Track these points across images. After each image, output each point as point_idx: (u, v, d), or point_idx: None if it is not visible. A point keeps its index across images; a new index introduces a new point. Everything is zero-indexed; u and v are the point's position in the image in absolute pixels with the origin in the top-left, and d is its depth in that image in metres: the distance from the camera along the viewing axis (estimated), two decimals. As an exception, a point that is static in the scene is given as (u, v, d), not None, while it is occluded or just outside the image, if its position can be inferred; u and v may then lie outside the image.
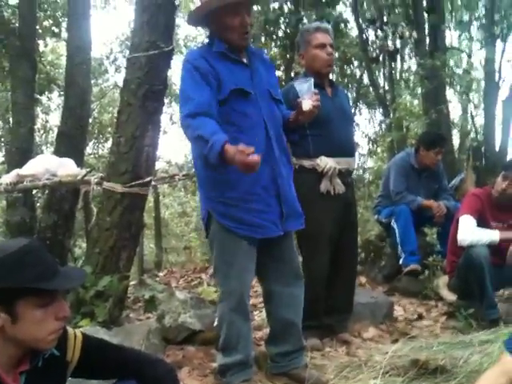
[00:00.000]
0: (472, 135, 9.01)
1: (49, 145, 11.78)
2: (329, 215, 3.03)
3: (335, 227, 3.08)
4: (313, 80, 2.53)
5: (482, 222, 3.54)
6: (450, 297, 3.94)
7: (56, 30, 9.10)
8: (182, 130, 2.41)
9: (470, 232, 3.47)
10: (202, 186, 2.49)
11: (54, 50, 11.97)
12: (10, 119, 6.33)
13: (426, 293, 4.20)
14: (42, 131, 12.26)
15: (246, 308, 2.49)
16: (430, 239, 4.32)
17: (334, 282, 3.14)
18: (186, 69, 2.41)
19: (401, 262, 4.47)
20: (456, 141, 10.46)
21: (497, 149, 7.82)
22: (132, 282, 4.38)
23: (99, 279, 3.19)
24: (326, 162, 2.98)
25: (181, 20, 13.29)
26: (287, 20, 6.38)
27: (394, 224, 4.54)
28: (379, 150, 12.28)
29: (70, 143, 5.32)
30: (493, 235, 3.44)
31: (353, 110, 10.89)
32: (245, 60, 2.50)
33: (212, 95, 2.34)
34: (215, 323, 2.68)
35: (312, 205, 2.80)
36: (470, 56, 11.27)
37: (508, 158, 6.90)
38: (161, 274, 6.74)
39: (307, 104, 2.45)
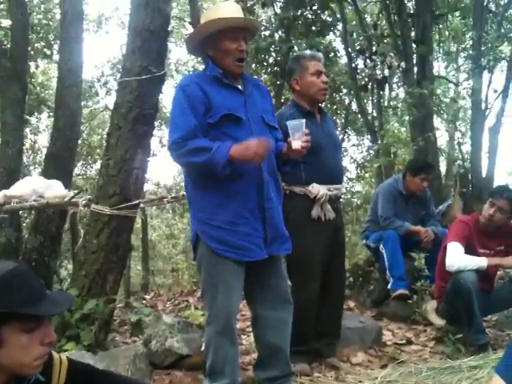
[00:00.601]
0: (459, 162, 9.12)
1: (37, 165, 11.74)
2: (319, 241, 3.03)
3: (325, 252, 3.09)
4: (304, 121, 2.55)
5: (470, 249, 3.56)
6: (439, 322, 3.94)
7: (48, 52, 9.15)
8: (169, 153, 2.43)
9: (457, 258, 3.48)
10: (192, 208, 2.50)
11: (45, 71, 12.02)
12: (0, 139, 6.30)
13: (414, 318, 4.19)
14: (30, 151, 12.22)
15: (233, 332, 2.47)
16: (418, 264, 4.33)
17: (322, 306, 3.13)
18: (177, 94, 2.45)
19: (389, 286, 4.48)
20: (443, 167, 10.60)
21: (483, 175, 7.91)
22: (118, 305, 4.33)
23: (85, 302, 3.16)
24: (318, 189, 3.00)
25: (172, 45, 13.47)
26: (278, 48, 6.47)
27: (382, 249, 4.56)
28: (367, 175, 12.39)
29: (59, 164, 5.30)
30: (480, 261, 3.46)
31: (341, 136, 11.01)
32: (239, 86, 2.53)
33: (198, 124, 2.37)
34: (203, 347, 2.65)
35: (303, 230, 2.81)
36: (457, 85, 11.49)
37: (494, 185, 6.97)
38: (147, 296, 6.67)
39: (297, 144, 2.49)
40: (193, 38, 2.53)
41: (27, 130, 10.80)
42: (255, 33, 2.71)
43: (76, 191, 4.02)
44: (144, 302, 5.83)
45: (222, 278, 2.39)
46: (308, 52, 3.30)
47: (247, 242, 2.41)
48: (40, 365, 1.41)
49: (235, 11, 2.49)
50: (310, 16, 7.13)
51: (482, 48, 7.98)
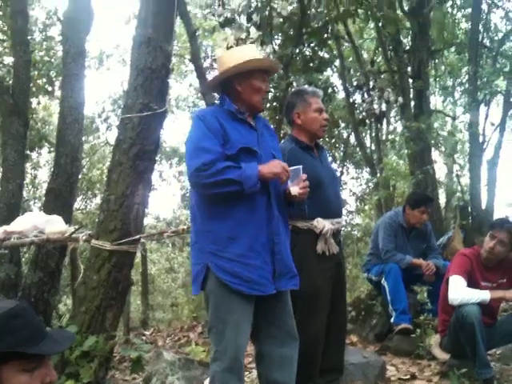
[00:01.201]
0: (458, 194, 9.14)
1: (37, 200, 11.74)
2: (325, 275, 3.03)
3: (330, 287, 3.08)
4: (301, 167, 2.59)
5: (472, 282, 3.55)
6: (443, 356, 3.89)
7: (49, 89, 9.26)
8: (194, 179, 2.41)
9: (460, 291, 3.47)
10: (200, 240, 2.47)
11: (46, 107, 12.14)
12: (0, 174, 6.33)
13: (418, 352, 4.14)
14: (30, 186, 12.24)
15: (241, 368, 2.43)
16: (420, 297, 4.30)
17: (325, 342, 3.09)
18: (196, 123, 2.51)
19: (392, 320, 4.44)
20: (442, 200, 10.61)
21: (483, 207, 7.92)
22: (118, 341, 4.28)
23: (85, 339, 3.12)
24: (323, 224, 3.00)
25: (173, 81, 13.65)
26: (277, 84, 6.56)
27: (384, 282, 4.54)
28: (367, 207, 12.40)
29: (59, 200, 5.31)
30: (483, 294, 3.45)
31: (340, 169, 11.07)
32: (252, 123, 2.62)
33: (221, 150, 2.43)
34: (205, 385, 2.61)
35: (308, 266, 2.80)
36: (454, 119, 11.60)
37: (494, 217, 6.98)
38: (147, 332, 6.59)
39: (295, 190, 2.55)
40: (226, 73, 2.59)
41: (27, 164, 10.85)
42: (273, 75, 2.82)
43: (76, 226, 4.02)
44: (144, 338, 5.76)
45: (231, 312, 2.38)
46: (310, 88, 3.35)
47: (258, 276, 2.41)
48: (40, 404, 1.39)
49: (260, 54, 2.63)
50: (307, 53, 7.25)
51: (478, 82, 8.10)
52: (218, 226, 2.41)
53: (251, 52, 2.62)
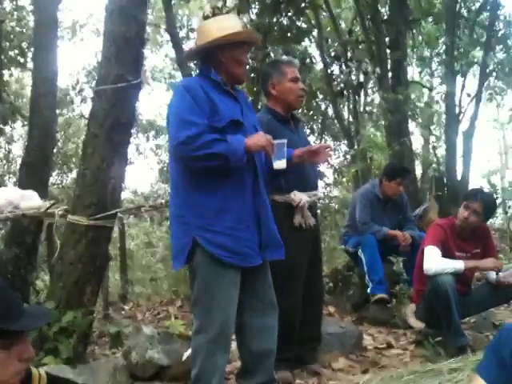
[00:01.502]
0: (434, 166, 9.25)
1: (11, 175, 11.54)
2: (302, 248, 3.05)
3: (306, 259, 3.10)
4: (286, 141, 2.59)
5: (447, 253, 3.61)
6: (418, 325, 3.97)
7: (21, 61, 9.00)
8: (179, 152, 2.38)
9: (435, 261, 3.53)
10: (186, 213, 2.44)
11: (18, 79, 11.84)
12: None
13: (394, 321, 4.22)
14: (4, 161, 12.02)
15: (228, 340, 2.45)
16: (396, 268, 4.37)
17: (302, 312, 3.13)
18: (181, 94, 2.45)
19: (368, 290, 4.51)
20: (418, 171, 10.72)
21: (458, 179, 8.04)
22: (97, 316, 4.27)
23: (63, 315, 3.10)
24: (300, 197, 3.00)
25: (148, 52, 13.41)
26: (254, 55, 6.49)
27: (360, 253, 4.59)
28: (344, 179, 12.46)
29: (34, 174, 5.20)
30: (457, 264, 3.51)
31: (318, 142, 11.07)
32: (235, 95, 2.61)
33: (207, 122, 2.39)
34: (184, 358, 2.62)
35: (285, 238, 2.80)
36: (431, 90, 11.67)
37: (469, 188, 7.09)
38: (126, 307, 6.59)
39: (278, 164, 2.57)
40: (207, 45, 2.54)
41: (1, 139, 10.63)
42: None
43: (52, 201, 3.96)
44: (123, 312, 5.76)
45: (219, 284, 2.38)
46: (285, 58, 3.32)
47: (247, 248, 2.43)
48: (18, 381, 1.38)
49: (240, 25, 2.64)
50: (285, 22, 7.17)
51: (455, 53, 8.13)
52: (206, 199, 2.40)
53: (236, 23, 2.60)
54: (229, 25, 2.55)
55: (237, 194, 2.43)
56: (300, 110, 10.60)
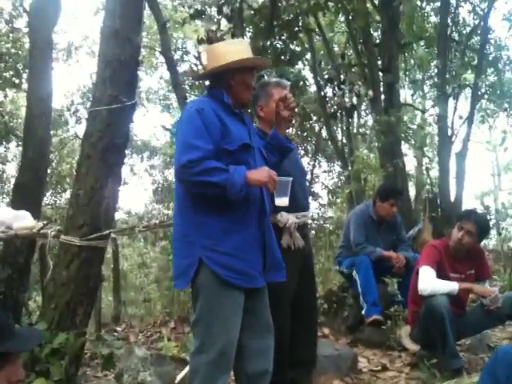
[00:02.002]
0: (427, 187, 9.29)
1: (5, 195, 11.51)
2: (290, 269, 3.02)
3: (295, 281, 3.09)
4: (291, 180, 2.62)
5: (441, 273, 3.61)
6: (413, 347, 3.95)
7: (17, 81, 9.05)
8: (180, 175, 2.38)
9: (429, 282, 3.52)
10: (191, 233, 2.42)
11: (13, 100, 11.88)
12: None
13: (389, 343, 4.20)
14: (-3, 181, 12.00)
15: (229, 362, 2.41)
16: (390, 289, 4.36)
17: (296, 334, 3.11)
18: (191, 116, 2.45)
19: (363, 312, 4.48)
20: (412, 192, 10.76)
21: (452, 200, 8.07)
22: (89, 338, 4.22)
23: (55, 336, 3.07)
24: (287, 218, 3.00)
25: (143, 74, 13.51)
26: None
27: (355, 275, 4.58)
28: (338, 200, 12.50)
29: (27, 195, 5.19)
30: (452, 285, 3.51)
31: (312, 163, 11.13)
32: (243, 118, 2.64)
33: (214, 147, 2.39)
34: (177, 380, 2.59)
35: None
36: (423, 112, 11.78)
37: (463, 209, 7.12)
38: (119, 328, 6.52)
39: (281, 202, 2.60)
40: (218, 68, 2.57)
41: (-5, 159, 10.63)
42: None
43: (45, 222, 3.93)
44: (116, 334, 5.70)
45: (224, 305, 2.37)
46: (274, 79, 3.34)
47: (252, 269, 2.44)
48: (6, 404, 1.36)
49: (250, 50, 2.67)
50: (279, 46, 7.25)
51: (447, 76, 8.23)
52: (212, 219, 2.40)
53: (247, 48, 2.65)
54: (240, 49, 2.59)
55: (243, 215, 2.44)
56: (294, 132, 10.68)
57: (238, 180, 2.31)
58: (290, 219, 3.01)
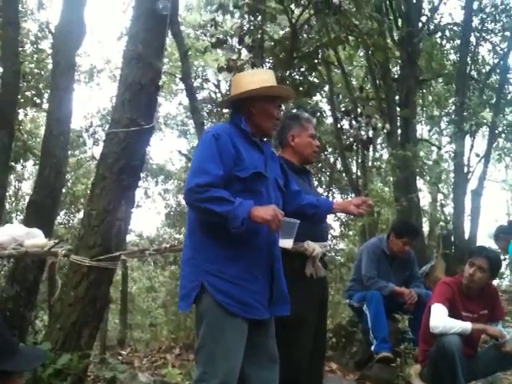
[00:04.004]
0: (442, 223, 9.21)
1: (19, 212, 11.60)
2: (312, 299, 2.99)
3: (316, 311, 3.04)
4: (298, 222, 2.59)
5: (453, 312, 3.53)
6: (422, 387, 3.85)
7: (37, 101, 9.21)
8: (186, 198, 2.38)
9: (442, 320, 3.45)
10: (197, 256, 2.41)
11: (33, 119, 12.08)
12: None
13: (397, 382, 4.09)
14: (13, 198, 12.11)
15: None
16: (401, 326, 4.27)
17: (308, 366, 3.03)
18: (208, 141, 2.46)
19: (372, 348, 4.40)
20: (426, 228, 10.67)
21: (466, 237, 7.97)
22: (93, 360, 4.18)
23: (58, 356, 3.05)
24: (313, 247, 2.98)
25: (162, 99, 13.69)
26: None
27: (365, 309, 4.50)
28: (351, 233, 12.41)
29: (41, 213, 5.23)
30: (465, 325, 3.43)
31: (326, 194, 11.10)
32: (261, 146, 2.62)
33: (225, 175, 2.38)
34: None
35: (296, 288, 2.75)
36: (439, 148, 11.76)
37: (477, 247, 7.01)
38: (124, 352, 6.46)
39: (285, 243, 2.55)
40: (239, 96, 2.59)
41: (11, 176, 10.73)
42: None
43: (56, 241, 3.94)
44: (120, 357, 5.64)
45: (226, 333, 2.32)
46: (305, 114, 3.40)
47: (254, 301, 2.38)
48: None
49: (274, 80, 2.68)
50: (297, 77, 7.31)
51: (465, 113, 8.23)
52: (218, 244, 2.38)
53: (271, 78, 2.66)
54: (262, 78, 2.61)
55: (250, 245, 2.40)
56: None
57: (240, 214, 2.27)
58: (316, 249, 2.99)
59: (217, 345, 2.31)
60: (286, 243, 2.50)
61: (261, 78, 2.62)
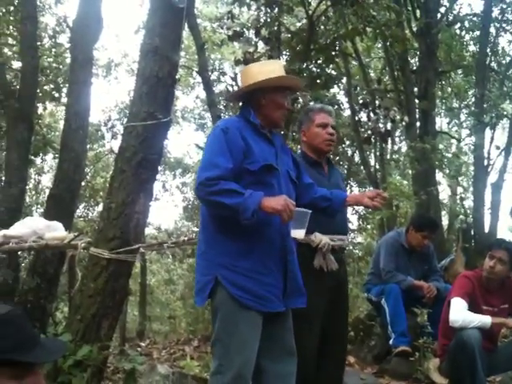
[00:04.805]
0: (461, 217, 9.11)
1: (39, 205, 11.74)
2: (321, 292, 2.97)
3: (326, 305, 3.02)
4: (310, 212, 2.53)
5: (473, 306, 3.50)
6: (441, 381, 3.83)
7: (56, 95, 9.29)
8: (197, 192, 2.39)
9: (461, 314, 3.42)
10: (210, 251, 2.42)
11: (52, 113, 12.19)
12: (3, 178, 6.33)
13: (416, 376, 4.08)
14: (33, 192, 12.25)
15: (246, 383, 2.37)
16: (420, 320, 4.24)
17: (323, 362, 3.03)
18: (217, 134, 2.46)
19: (391, 342, 4.38)
20: (445, 222, 10.56)
21: (486, 231, 7.88)
22: (113, 352, 4.23)
23: (79, 348, 3.09)
24: (320, 238, 2.96)
25: (179, 92, 13.72)
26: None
27: (384, 303, 4.48)
28: (369, 226, 12.35)
29: (61, 206, 5.28)
30: (485, 319, 3.39)
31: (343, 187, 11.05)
32: (271, 138, 2.60)
33: (235, 168, 2.38)
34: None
35: (304, 280, 2.75)
36: (459, 141, 11.61)
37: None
38: (143, 344, 6.53)
39: (297, 234, 2.50)
40: (248, 87, 2.58)
41: (31, 170, 10.86)
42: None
43: (76, 233, 3.99)
44: (139, 349, 5.70)
45: (240, 326, 2.32)
46: (318, 105, 3.37)
47: (268, 293, 2.37)
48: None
49: (283, 70, 2.66)
50: (315, 69, 7.27)
51: (485, 105, 8.11)
52: (231, 238, 2.38)
53: (279, 68, 2.64)
54: (271, 69, 2.59)
55: (263, 237, 2.39)
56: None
57: (251, 206, 2.26)
58: (323, 240, 2.97)
59: (231, 338, 2.32)
60: (298, 234, 2.47)
61: (269, 68, 2.60)
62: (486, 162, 8.75)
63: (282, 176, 2.53)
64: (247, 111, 2.59)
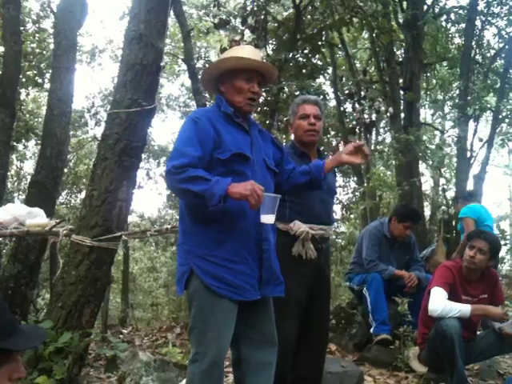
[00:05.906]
0: (443, 208, 9.20)
1: (21, 192, 11.62)
2: (299, 280, 2.98)
3: (305, 293, 3.04)
4: (280, 197, 2.44)
5: (453, 296, 3.55)
6: (421, 369, 3.88)
7: (39, 81, 9.17)
8: (166, 181, 2.39)
9: (441, 303, 3.46)
10: (187, 241, 2.43)
11: (35, 99, 12.03)
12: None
13: (396, 364, 4.12)
14: (15, 178, 12.12)
15: (221, 372, 2.39)
16: (401, 309, 4.29)
17: (303, 350, 3.05)
18: (187, 124, 2.44)
19: (372, 330, 4.43)
20: (427, 212, 10.66)
21: (467, 222, 7.95)
22: (94, 339, 4.22)
23: (60, 335, 3.07)
24: (299, 226, 2.98)
25: (164, 80, 13.62)
26: (268, 88, 6.56)
27: (365, 292, 4.53)
28: (352, 216, 12.43)
29: (43, 192, 5.24)
30: (464, 308, 3.44)
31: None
32: (246, 127, 2.56)
33: (202, 156, 2.36)
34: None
35: (282, 267, 2.76)
36: (442, 133, 11.70)
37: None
38: (125, 331, 6.52)
39: (266, 219, 2.41)
40: (208, 72, 2.57)
41: (13, 156, 10.73)
42: (270, 80, 2.73)
43: (58, 220, 3.95)
44: (121, 336, 5.70)
45: (215, 315, 2.34)
46: (302, 97, 3.36)
47: (242, 282, 2.37)
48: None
49: (254, 55, 2.56)
50: (301, 59, 7.26)
51: (469, 98, 8.17)
52: (205, 228, 2.38)
53: (246, 51, 2.55)
54: (233, 54, 2.54)
55: (236, 226, 2.38)
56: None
57: (217, 192, 2.23)
58: (301, 228, 2.98)
59: (207, 326, 2.33)
60: (267, 219, 2.44)
61: (230, 53, 2.55)
62: (468, 154, 8.84)
63: (257, 165, 2.50)
64: (220, 100, 2.57)
